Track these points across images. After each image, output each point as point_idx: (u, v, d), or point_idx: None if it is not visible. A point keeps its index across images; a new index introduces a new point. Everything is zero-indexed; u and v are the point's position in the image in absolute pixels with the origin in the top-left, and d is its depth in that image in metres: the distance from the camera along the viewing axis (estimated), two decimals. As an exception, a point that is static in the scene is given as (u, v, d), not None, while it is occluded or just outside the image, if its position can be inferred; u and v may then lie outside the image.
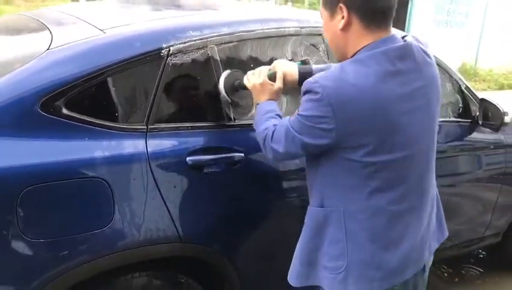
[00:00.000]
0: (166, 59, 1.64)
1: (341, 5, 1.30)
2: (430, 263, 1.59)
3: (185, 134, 1.66)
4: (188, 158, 1.62)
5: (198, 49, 1.71)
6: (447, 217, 2.53)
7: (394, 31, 1.38)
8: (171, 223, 1.61)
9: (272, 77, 1.59)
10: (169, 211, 1.60)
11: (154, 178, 1.57)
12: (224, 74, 1.71)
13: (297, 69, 1.65)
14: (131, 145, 1.56)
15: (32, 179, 1.38)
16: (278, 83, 1.59)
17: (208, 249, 1.72)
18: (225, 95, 1.70)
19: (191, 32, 1.71)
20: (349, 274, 1.39)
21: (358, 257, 1.38)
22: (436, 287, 3.01)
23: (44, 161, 1.42)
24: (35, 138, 1.43)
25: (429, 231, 1.50)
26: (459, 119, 2.52)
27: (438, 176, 2.38)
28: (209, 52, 1.72)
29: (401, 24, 11.39)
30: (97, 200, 1.49)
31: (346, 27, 1.32)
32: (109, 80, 1.56)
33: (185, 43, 1.68)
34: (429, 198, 1.47)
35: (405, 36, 1.39)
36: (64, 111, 1.48)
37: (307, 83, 1.30)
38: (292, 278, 1.49)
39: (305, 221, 1.47)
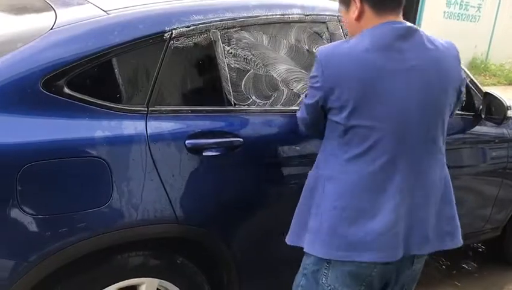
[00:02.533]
0: (169, 42, 1.65)
1: None
2: (421, 259, 1.55)
3: (185, 117, 1.67)
4: (187, 141, 1.64)
5: (201, 33, 1.72)
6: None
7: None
8: (168, 205, 1.63)
9: None
10: (167, 192, 1.62)
11: (153, 159, 1.58)
12: None
13: None
14: (131, 127, 1.57)
15: (33, 156, 1.40)
16: None
17: (204, 231, 1.74)
18: None
19: (194, 16, 1.72)
20: (318, 236, 1.44)
21: (328, 221, 1.42)
22: (434, 278, 3.03)
23: (44, 139, 1.44)
24: (37, 116, 1.45)
25: (417, 223, 1.45)
26: (462, 112, 2.51)
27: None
28: (211, 36, 1.73)
29: (411, 17, 11.30)
30: (96, 179, 1.51)
31: (359, 16, 1.44)
32: (111, 61, 1.57)
33: (188, 27, 1.69)
34: (427, 187, 1.45)
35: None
36: (66, 90, 1.49)
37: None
38: (288, 237, 1.57)
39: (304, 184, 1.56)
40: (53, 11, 1.68)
